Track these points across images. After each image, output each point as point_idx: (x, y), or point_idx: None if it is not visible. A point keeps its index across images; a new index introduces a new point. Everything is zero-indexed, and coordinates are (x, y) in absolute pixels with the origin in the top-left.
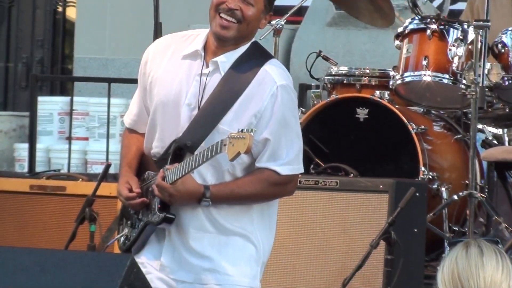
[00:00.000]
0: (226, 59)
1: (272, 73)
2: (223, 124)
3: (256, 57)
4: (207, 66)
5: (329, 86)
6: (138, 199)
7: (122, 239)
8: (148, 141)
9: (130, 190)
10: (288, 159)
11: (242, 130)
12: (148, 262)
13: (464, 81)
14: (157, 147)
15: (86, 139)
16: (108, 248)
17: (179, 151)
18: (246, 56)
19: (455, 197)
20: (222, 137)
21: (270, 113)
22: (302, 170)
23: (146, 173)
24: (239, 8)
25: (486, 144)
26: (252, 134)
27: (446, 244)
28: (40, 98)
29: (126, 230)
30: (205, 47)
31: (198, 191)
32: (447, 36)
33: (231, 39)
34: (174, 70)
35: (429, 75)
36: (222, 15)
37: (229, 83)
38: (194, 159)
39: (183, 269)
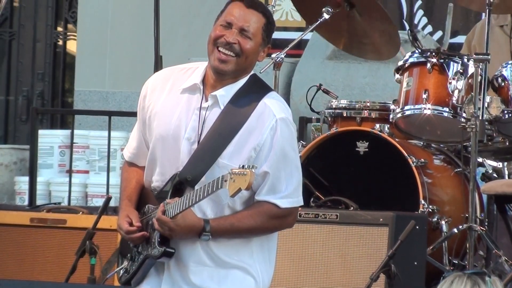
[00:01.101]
0: (225, 93)
1: (271, 106)
2: (223, 158)
3: (255, 90)
4: (206, 100)
5: (329, 119)
6: (138, 233)
7: (121, 272)
8: (148, 174)
9: (131, 224)
10: (287, 192)
11: (243, 166)
12: None
13: (464, 115)
14: (157, 180)
15: (87, 172)
16: (108, 280)
17: (179, 185)
18: (245, 90)
19: (455, 230)
20: (222, 171)
21: (270, 146)
22: (302, 203)
23: (146, 206)
24: (237, 42)
25: (486, 177)
26: (253, 170)
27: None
28: (41, 131)
29: (125, 263)
30: (203, 81)
31: (198, 225)
32: (447, 70)
33: (229, 72)
34: (173, 104)
35: (429, 109)
36: (221, 49)
37: (228, 117)
38: (195, 194)
39: None
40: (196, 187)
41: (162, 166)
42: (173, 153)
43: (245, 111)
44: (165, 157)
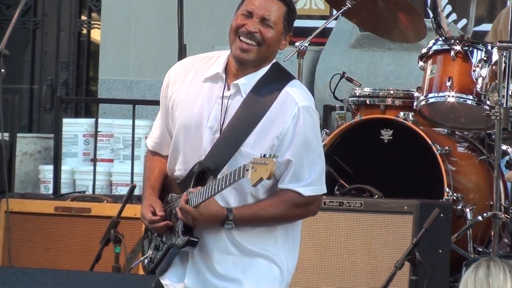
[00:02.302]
0: (247, 81)
1: (293, 95)
2: (246, 147)
3: (278, 78)
4: (229, 89)
5: (353, 107)
6: (161, 222)
7: (146, 261)
8: (171, 163)
9: (154, 213)
10: (310, 180)
11: (264, 155)
12: (172, 284)
13: (488, 102)
14: (180, 169)
15: (111, 160)
16: (132, 269)
17: (202, 174)
18: (267, 78)
19: (480, 218)
20: (245, 159)
21: (292, 135)
22: (325, 191)
23: (170, 195)
24: (259, 31)
25: (510, 165)
26: (274, 160)
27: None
28: (65, 120)
29: (150, 252)
30: (226, 70)
31: (221, 214)
32: (471, 57)
33: (251, 62)
34: (196, 93)
35: (453, 96)
36: (242, 38)
37: (250, 105)
38: (217, 183)
39: None
40: (219, 176)
41: (184, 155)
42: (195, 142)
43: (267, 99)
44: (187, 146)
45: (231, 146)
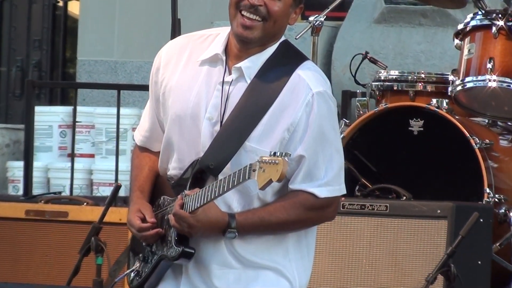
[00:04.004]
0: (252, 64)
1: (306, 79)
2: (251, 141)
3: (287, 59)
4: (230, 73)
5: (377, 93)
6: (152, 230)
7: (132, 274)
8: (163, 161)
9: (143, 220)
10: (327, 179)
11: (274, 154)
12: None
13: None
14: (174, 168)
15: (92, 156)
16: (116, 284)
17: (200, 173)
18: (275, 59)
19: None
20: (250, 156)
21: (305, 126)
22: (344, 192)
23: (162, 198)
24: (263, 3)
25: None
26: (286, 159)
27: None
28: (38, 108)
29: (137, 265)
30: (226, 50)
31: (222, 221)
32: None
33: (255, 40)
34: (191, 78)
35: (494, 80)
36: (244, 13)
37: (256, 92)
38: (218, 185)
39: None
40: (220, 176)
41: (179, 151)
42: (192, 136)
43: (276, 85)
44: (183, 141)
45: (234, 141)
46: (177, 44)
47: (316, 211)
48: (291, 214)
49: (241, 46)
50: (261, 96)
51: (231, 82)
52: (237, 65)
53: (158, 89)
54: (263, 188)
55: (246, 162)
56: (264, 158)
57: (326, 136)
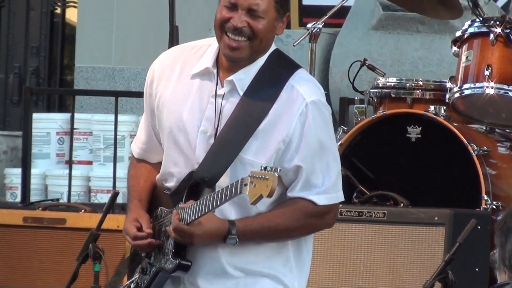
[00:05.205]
0: (244, 76)
1: (299, 88)
2: (246, 153)
3: (279, 69)
4: (222, 86)
5: (375, 100)
6: (146, 239)
7: (132, 286)
8: (162, 173)
9: (139, 229)
10: (324, 187)
11: (265, 168)
12: None
13: None
14: (171, 180)
15: (90, 163)
16: None
17: (195, 186)
18: (267, 70)
19: None
20: (247, 169)
21: (300, 136)
22: (342, 199)
23: (159, 209)
24: (247, 24)
25: None
26: (276, 174)
27: None
28: (36, 115)
29: (136, 276)
30: (217, 62)
31: (222, 227)
32: None
33: (244, 59)
34: (185, 91)
35: (492, 87)
36: (230, 34)
37: (249, 104)
38: (212, 199)
39: None
40: (217, 188)
41: (175, 164)
42: (187, 149)
43: (269, 96)
44: (178, 154)
45: (229, 153)
46: (170, 56)
47: (315, 218)
48: (291, 221)
49: (230, 62)
50: (255, 108)
51: (224, 95)
52: (229, 78)
53: (152, 101)
54: (254, 203)
55: (242, 174)
56: (254, 173)
57: (322, 144)
